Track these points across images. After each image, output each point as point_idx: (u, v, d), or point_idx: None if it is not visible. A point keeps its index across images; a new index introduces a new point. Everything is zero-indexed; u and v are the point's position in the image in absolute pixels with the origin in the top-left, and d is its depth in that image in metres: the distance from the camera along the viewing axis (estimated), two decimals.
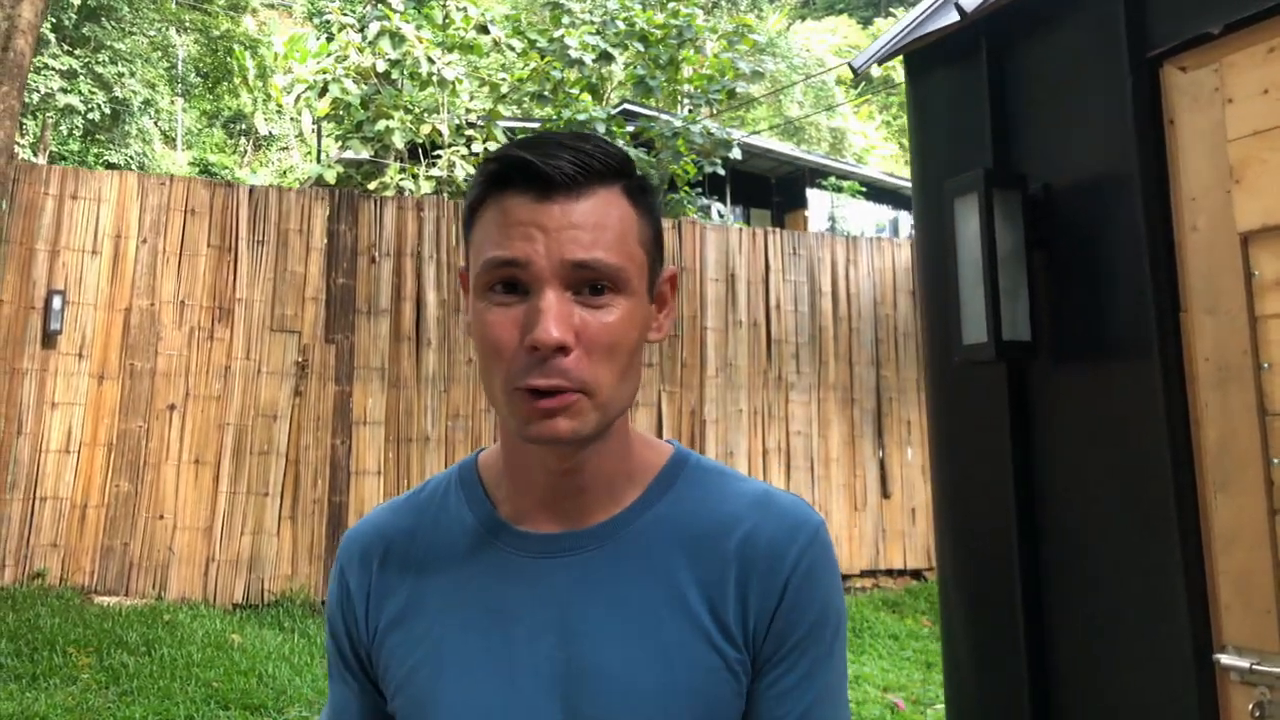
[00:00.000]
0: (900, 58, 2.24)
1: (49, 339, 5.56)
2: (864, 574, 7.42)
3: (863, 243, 8.01)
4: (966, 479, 1.97)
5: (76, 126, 13.43)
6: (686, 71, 10.26)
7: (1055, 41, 1.83)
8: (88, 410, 5.63)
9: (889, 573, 7.55)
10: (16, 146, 5.11)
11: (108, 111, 13.42)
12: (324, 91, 9.29)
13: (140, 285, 5.83)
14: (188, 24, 16.34)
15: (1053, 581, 1.78)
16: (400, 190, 8.71)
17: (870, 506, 7.53)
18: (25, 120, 12.94)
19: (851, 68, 2.17)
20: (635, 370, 0.75)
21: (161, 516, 5.71)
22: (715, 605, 0.75)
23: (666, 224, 6.91)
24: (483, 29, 9.65)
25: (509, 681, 0.75)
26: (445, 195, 8.19)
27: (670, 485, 0.80)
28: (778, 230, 7.79)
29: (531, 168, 0.70)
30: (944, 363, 1.96)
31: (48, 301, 5.55)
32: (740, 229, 7.55)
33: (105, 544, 5.57)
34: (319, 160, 13.41)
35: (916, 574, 7.61)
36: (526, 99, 10.41)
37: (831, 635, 0.77)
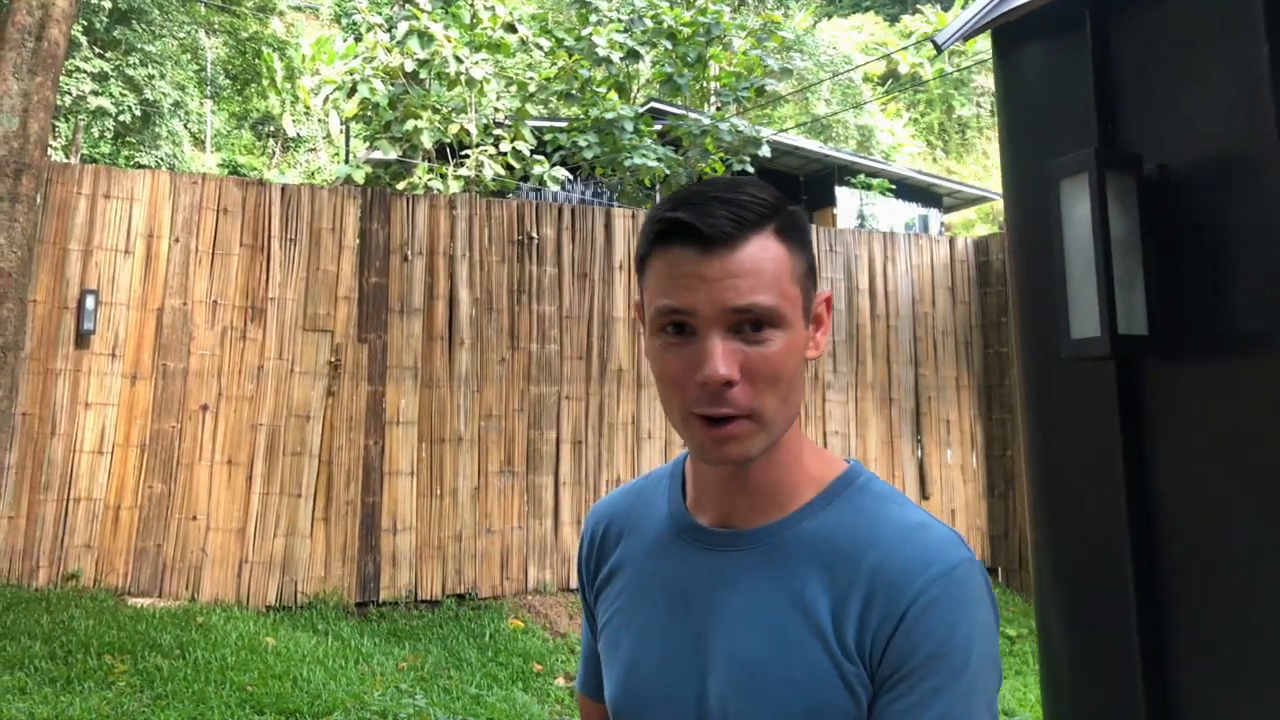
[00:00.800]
0: (958, 36, 2.09)
1: (82, 339, 5.53)
2: None
3: (901, 239, 7.83)
4: (1070, 486, 1.81)
5: (107, 129, 13.52)
6: (714, 69, 10.11)
7: (1172, 5, 1.68)
8: (120, 410, 5.59)
9: None
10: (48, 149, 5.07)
11: (138, 113, 13.50)
12: (352, 92, 9.24)
13: (173, 285, 5.78)
14: (216, 26, 16.45)
15: (1171, 603, 1.63)
16: (429, 190, 8.64)
17: None
18: (56, 122, 13.05)
19: (935, 44, 2.03)
20: (797, 390, 0.84)
21: (194, 517, 5.66)
22: (839, 621, 0.81)
23: None
24: (510, 28, 9.56)
25: (665, 649, 0.88)
26: (476, 193, 8.11)
27: (830, 502, 0.87)
28: (814, 227, 7.63)
29: (693, 229, 0.80)
30: (1045, 359, 1.81)
31: (80, 301, 5.52)
32: None
33: (139, 545, 5.53)
34: (347, 161, 13.41)
35: None
36: (554, 98, 10.31)
37: (954, 671, 0.77)
